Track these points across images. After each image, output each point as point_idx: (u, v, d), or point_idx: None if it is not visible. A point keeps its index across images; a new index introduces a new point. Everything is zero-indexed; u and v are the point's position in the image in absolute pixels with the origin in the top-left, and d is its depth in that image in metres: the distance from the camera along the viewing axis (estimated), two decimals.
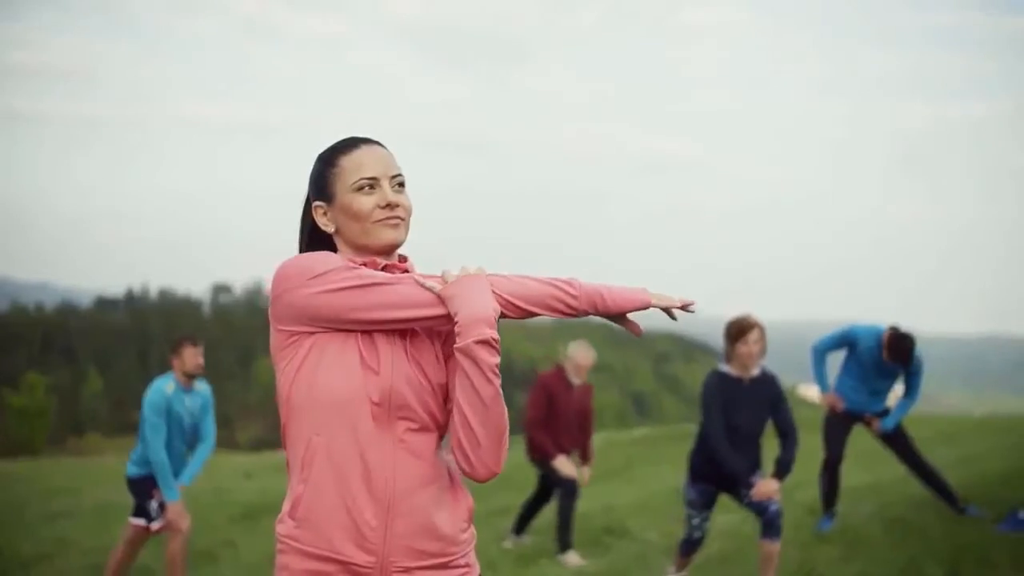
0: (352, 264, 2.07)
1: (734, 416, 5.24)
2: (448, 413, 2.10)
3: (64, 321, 72.43)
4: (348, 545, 2.02)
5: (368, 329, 2.04)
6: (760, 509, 5.19)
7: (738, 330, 5.21)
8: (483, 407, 2.00)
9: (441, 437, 2.12)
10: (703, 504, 5.46)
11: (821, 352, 6.89)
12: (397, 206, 2.10)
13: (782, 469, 5.24)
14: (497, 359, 2.00)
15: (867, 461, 9.18)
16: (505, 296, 2.06)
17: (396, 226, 2.11)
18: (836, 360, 6.96)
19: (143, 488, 6.09)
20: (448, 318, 2.03)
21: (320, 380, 2.03)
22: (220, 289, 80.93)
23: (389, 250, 2.14)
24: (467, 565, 2.12)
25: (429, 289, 2.03)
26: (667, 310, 2.16)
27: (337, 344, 2.04)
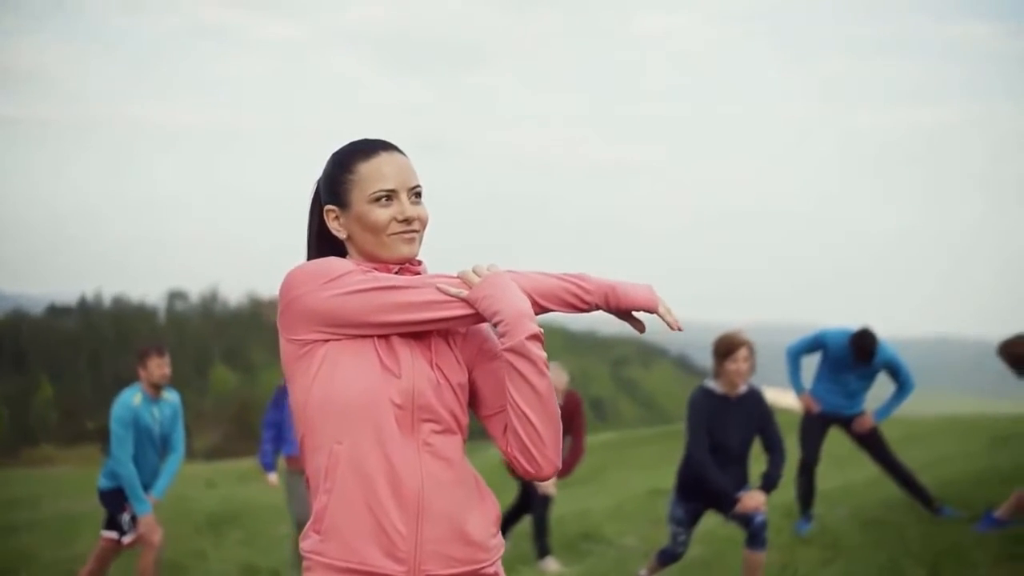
0: (366, 268, 2.03)
1: (722, 434, 5.15)
2: (467, 415, 2.06)
3: (15, 329, 71.04)
4: (377, 555, 1.94)
5: (391, 332, 1.98)
6: (745, 520, 5.14)
7: (727, 347, 5.12)
8: (541, 403, 1.97)
9: (464, 440, 2.07)
10: (690, 521, 5.40)
11: (794, 355, 6.91)
12: (414, 220, 2.05)
13: (769, 483, 5.17)
14: (545, 353, 1.98)
15: (839, 464, 9.21)
16: (526, 292, 2.02)
17: (411, 240, 2.06)
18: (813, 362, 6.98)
19: (115, 501, 5.96)
20: (473, 318, 2.00)
21: (338, 386, 1.96)
22: (176, 296, 79.81)
23: (403, 263, 2.09)
24: (495, 574, 2.06)
25: (452, 293, 1.99)
26: (662, 318, 2.14)
27: (353, 350, 1.97)
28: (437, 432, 1.99)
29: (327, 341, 1.97)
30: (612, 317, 2.16)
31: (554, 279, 2.07)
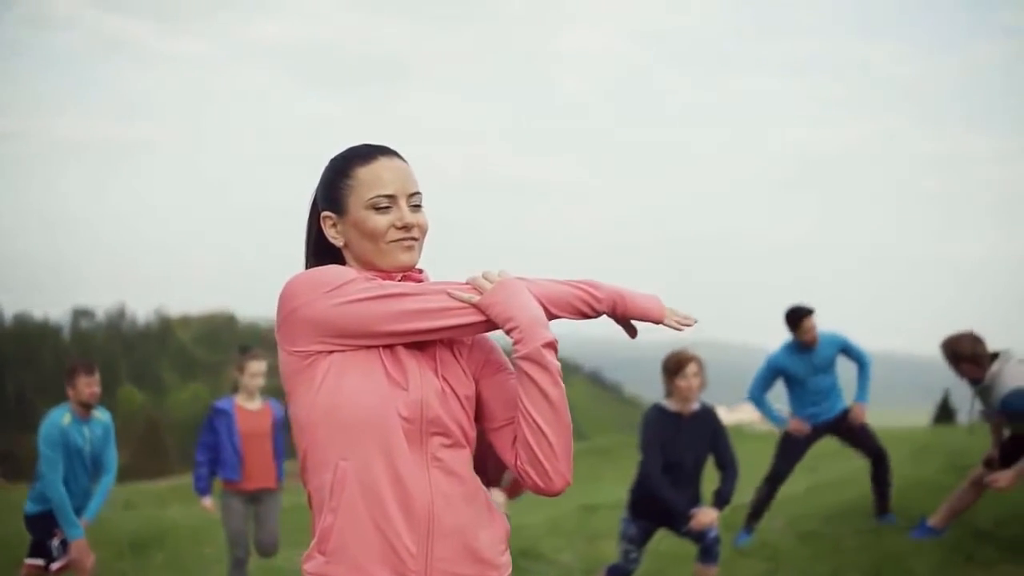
0: (369, 275, 1.96)
1: (675, 452, 5.14)
2: (474, 428, 2.00)
3: None
4: (387, 575, 1.86)
5: (400, 341, 1.92)
6: (698, 536, 5.15)
7: (676, 364, 5.13)
8: (555, 414, 1.91)
9: (472, 454, 2.00)
10: (642, 539, 5.39)
11: (758, 396, 6.98)
12: (413, 227, 1.98)
13: (721, 500, 5.17)
14: (559, 363, 1.92)
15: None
16: (538, 298, 1.97)
17: (410, 248, 1.99)
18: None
19: (43, 526, 5.71)
20: (484, 325, 1.94)
21: (344, 400, 1.88)
22: (81, 313, 77.63)
23: (402, 271, 2.01)
24: None
25: (464, 299, 1.93)
26: (671, 326, 2.11)
27: (358, 361, 1.90)
28: (446, 446, 1.93)
29: (331, 352, 1.90)
30: None
31: (566, 286, 2.03)
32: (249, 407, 6.41)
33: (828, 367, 6.87)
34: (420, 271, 2.06)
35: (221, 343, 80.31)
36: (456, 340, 2.01)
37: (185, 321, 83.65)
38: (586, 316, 2.05)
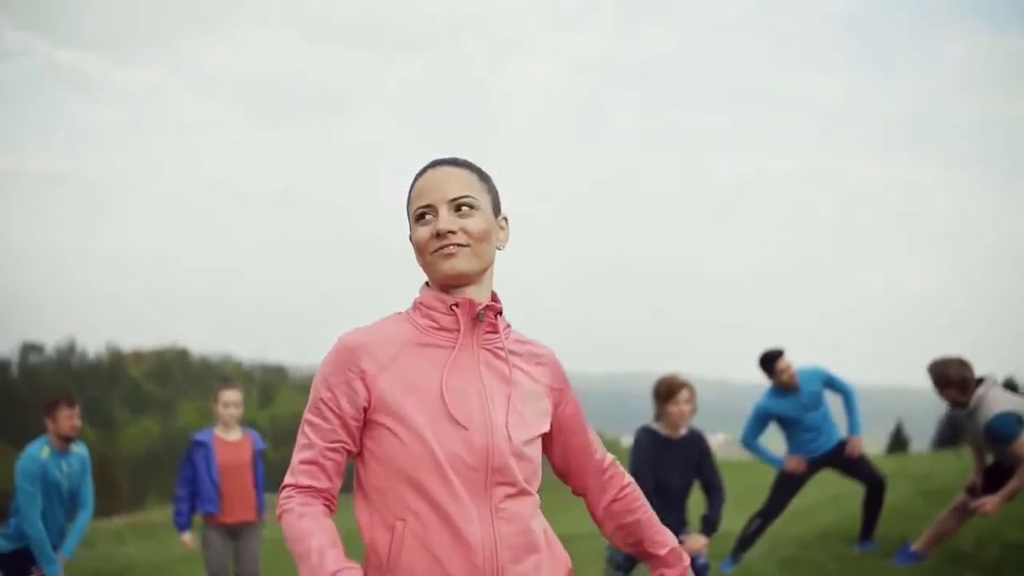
0: (420, 318, 1.88)
1: (663, 475, 5.15)
2: (539, 474, 1.91)
3: None
4: None
5: None
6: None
7: (667, 390, 5.15)
8: None
9: (536, 499, 1.91)
10: (629, 566, 5.37)
11: (751, 442, 6.99)
12: (451, 232, 1.83)
13: (709, 526, 5.18)
14: None
15: (744, 504, 9.34)
16: None
17: (451, 255, 1.83)
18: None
19: (18, 563, 5.56)
20: None
21: (399, 453, 1.78)
22: (29, 348, 76.02)
23: (450, 283, 1.86)
24: None
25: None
26: None
27: (413, 407, 1.79)
28: (511, 496, 1.83)
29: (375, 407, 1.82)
30: None
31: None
32: (228, 438, 6.30)
33: (818, 402, 6.86)
34: (495, 301, 1.93)
35: (173, 378, 79.07)
36: (535, 377, 1.94)
37: (137, 356, 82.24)
38: None
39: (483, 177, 1.93)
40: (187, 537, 6.33)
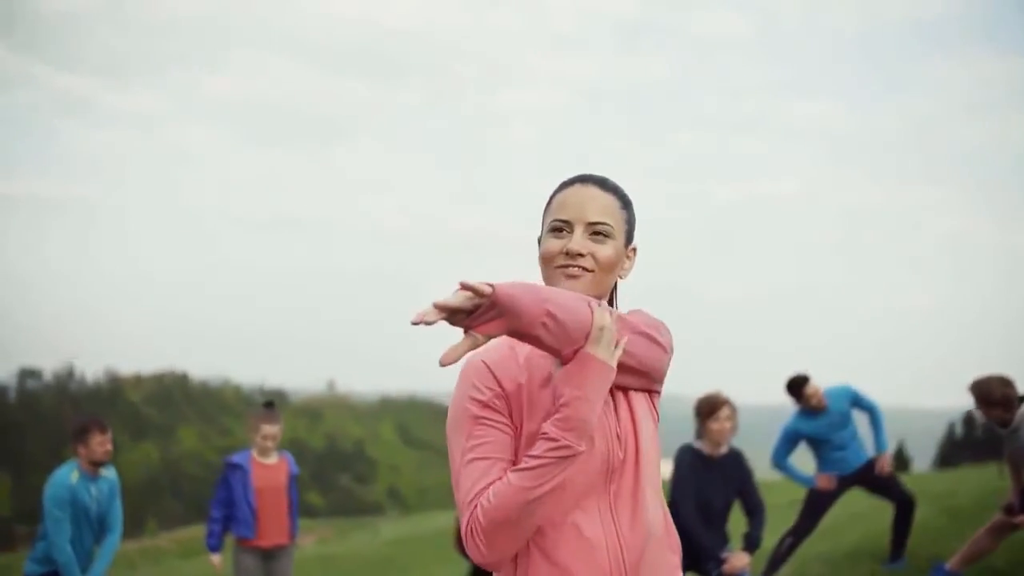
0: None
1: (705, 493, 5.17)
2: (660, 472, 1.92)
3: None
4: None
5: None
6: None
7: (709, 408, 5.20)
8: None
9: (657, 495, 1.90)
10: None
11: (782, 462, 7.00)
12: (582, 255, 1.84)
13: (751, 544, 5.20)
14: None
15: (773, 524, 9.30)
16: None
17: (575, 277, 1.84)
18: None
19: None
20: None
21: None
22: (27, 373, 75.82)
23: None
24: None
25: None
26: None
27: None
28: (630, 490, 1.82)
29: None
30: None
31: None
32: (265, 461, 6.26)
33: (846, 421, 6.90)
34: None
35: (173, 403, 78.95)
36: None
37: (136, 381, 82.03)
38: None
39: (625, 204, 1.94)
40: (217, 559, 6.28)
